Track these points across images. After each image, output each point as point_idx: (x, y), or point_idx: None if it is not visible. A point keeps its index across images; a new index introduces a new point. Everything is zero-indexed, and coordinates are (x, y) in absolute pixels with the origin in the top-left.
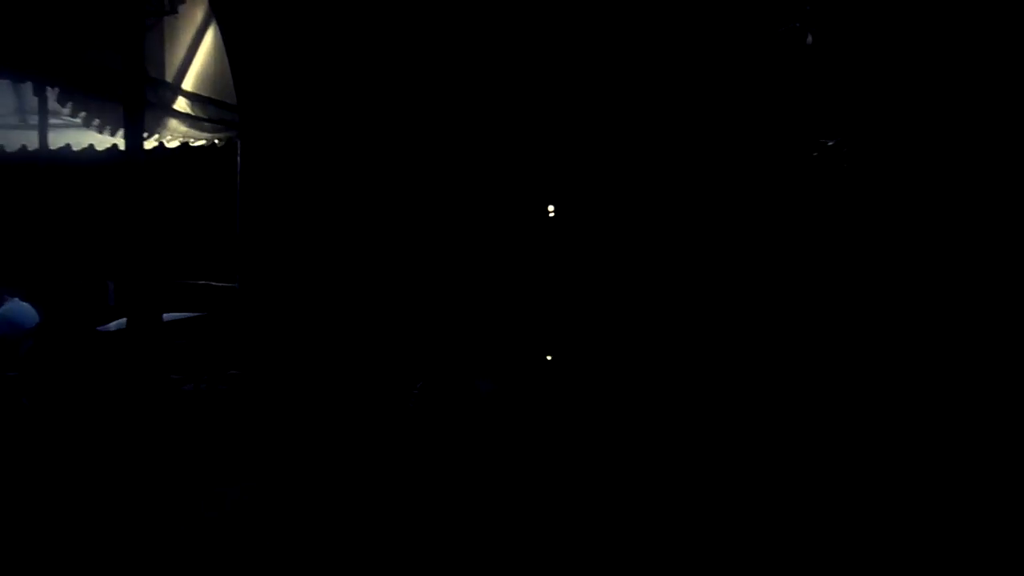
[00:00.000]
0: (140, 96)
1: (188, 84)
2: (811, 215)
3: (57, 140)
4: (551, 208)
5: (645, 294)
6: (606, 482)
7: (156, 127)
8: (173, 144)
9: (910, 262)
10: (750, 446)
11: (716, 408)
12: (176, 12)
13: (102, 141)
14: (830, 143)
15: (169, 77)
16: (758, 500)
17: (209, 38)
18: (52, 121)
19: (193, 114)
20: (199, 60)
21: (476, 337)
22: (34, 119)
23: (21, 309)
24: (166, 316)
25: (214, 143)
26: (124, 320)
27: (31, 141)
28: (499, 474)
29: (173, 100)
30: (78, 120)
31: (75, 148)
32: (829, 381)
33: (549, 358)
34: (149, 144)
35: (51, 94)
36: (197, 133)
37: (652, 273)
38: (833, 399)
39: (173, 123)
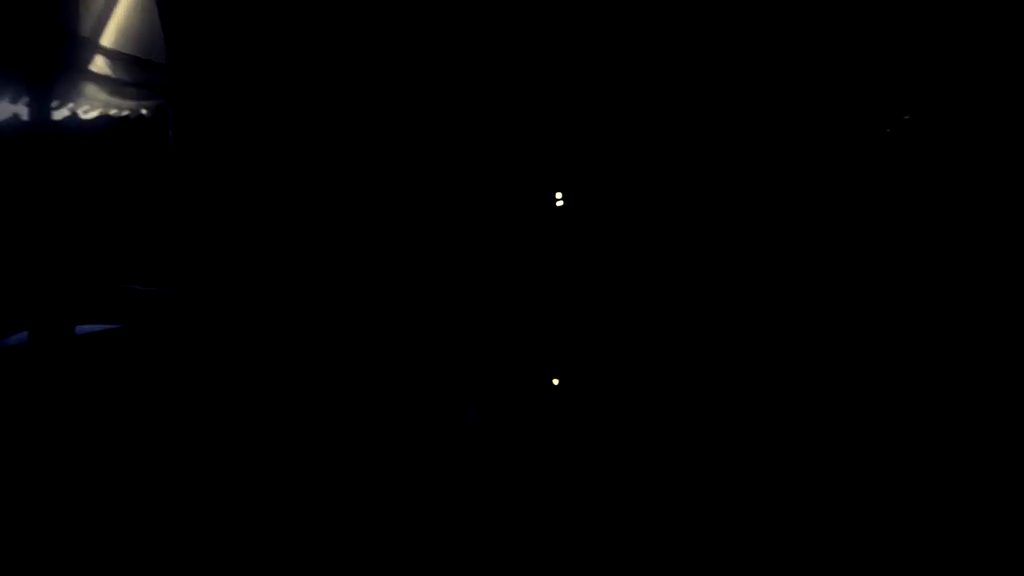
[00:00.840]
0: (48, 55)
1: (108, 40)
2: (884, 208)
3: None
4: (559, 196)
5: (692, 302)
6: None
7: (69, 93)
8: (90, 114)
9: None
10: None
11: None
12: None
13: (1, 110)
14: (907, 117)
15: (85, 32)
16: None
17: None
18: None
19: (114, 77)
20: (121, 10)
21: (466, 355)
22: None
23: None
24: (79, 328)
25: (140, 112)
26: (26, 333)
27: None
28: (476, 526)
29: (90, 60)
30: None
31: None
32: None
33: (556, 382)
34: (59, 114)
35: None
36: (119, 101)
37: (698, 274)
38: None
39: (90, 88)
